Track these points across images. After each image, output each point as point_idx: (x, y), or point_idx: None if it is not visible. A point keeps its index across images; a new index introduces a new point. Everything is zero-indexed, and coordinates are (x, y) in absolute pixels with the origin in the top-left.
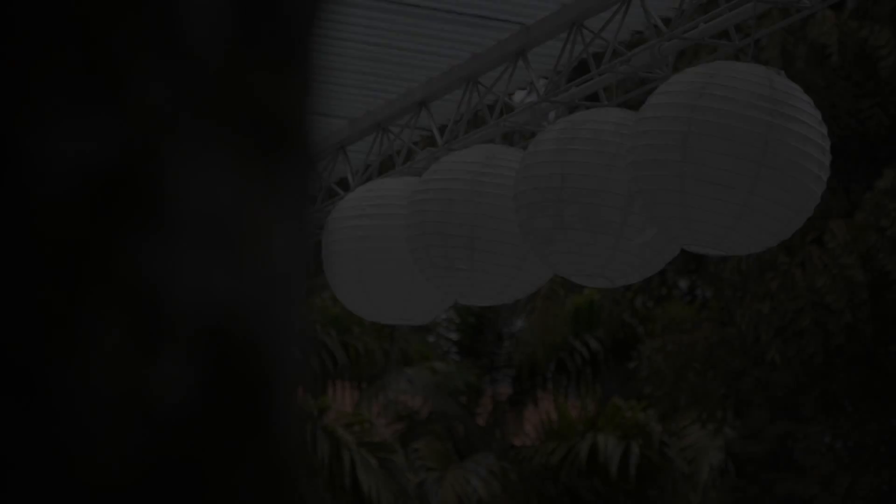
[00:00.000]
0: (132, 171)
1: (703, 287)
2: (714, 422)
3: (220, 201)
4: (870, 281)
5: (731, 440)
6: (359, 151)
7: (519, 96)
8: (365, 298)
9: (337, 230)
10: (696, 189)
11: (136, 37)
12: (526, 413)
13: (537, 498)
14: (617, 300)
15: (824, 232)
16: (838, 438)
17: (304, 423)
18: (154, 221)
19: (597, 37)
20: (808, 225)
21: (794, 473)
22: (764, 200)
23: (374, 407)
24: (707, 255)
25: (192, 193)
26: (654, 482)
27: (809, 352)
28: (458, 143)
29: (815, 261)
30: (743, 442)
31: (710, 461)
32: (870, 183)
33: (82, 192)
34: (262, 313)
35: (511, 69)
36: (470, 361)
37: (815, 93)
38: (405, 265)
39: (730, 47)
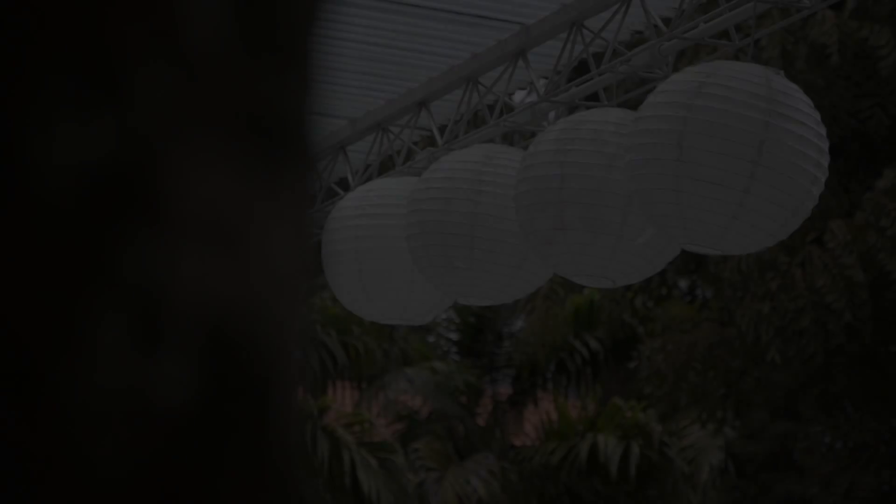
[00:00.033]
0: (132, 171)
1: (703, 287)
2: (714, 422)
3: (219, 201)
4: (870, 281)
5: (731, 440)
6: (359, 151)
7: (519, 96)
8: (365, 298)
9: (337, 230)
10: (691, 188)
11: (135, 36)
12: (526, 413)
13: (537, 498)
14: (617, 300)
15: (824, 232)
16: (838, 438)
17: (304, 423)
18: (154, 221)
19: (597, 37)
20: (808, 225)
21: (794, 473)
22: (760, 200)
23: (374, 407)
24: (707, 254)
25: (191, 193)
26: (654, 482)
27: (809, 352)
28: (458, 143)
29: (815, 261)
30: (743, 442)
31: (710, 461)
32: (870, 183)
33: (82, 192)
34: (262, 313)
35: (511, 69)
36: (470, 361)
37: (815, 93)
38: (405, 265)
39: (730, 47)
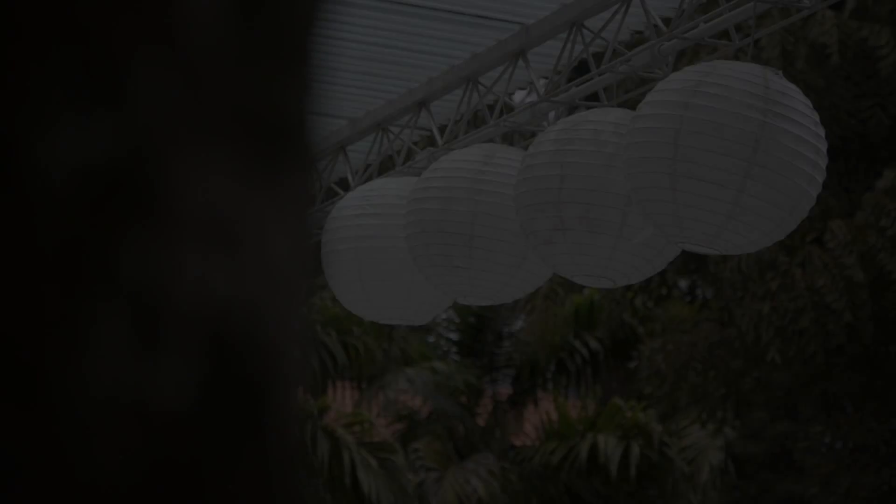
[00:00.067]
0: (132, 171)
1: (703, 287)
2: (714, 422)
3: (219, 201)
4: (870, 281)
5: (731, 440)
6: (359, 151)
7: (519, 96)
8: (365, 298)
9: (337, 230)
10: (686, 187)
11: (136, 37)
12: (526, 413)
13: (537, 498)
14: (617, 300)
15: (824, 232)
16: (838, 438)
17: (304, 423)
18: (154, 221)
19: (597, 37)
20: (808, 225)
21: (794, 473)
22: (755, 199)
23: (374, 407)
24: (707, 254)
25: (191, 194)
26: (654, 482)
27: (809, 352)
28: (458, 143)
29: (815, 261)
30: (743, 442)
31: (710, 461)
32: (870, 183)
33: (82, 192)
34: (262, 314)
35: (511, 69)
36: (470, 361)
37: (815, 93)
38: (405, 265)
39: (730, 47)
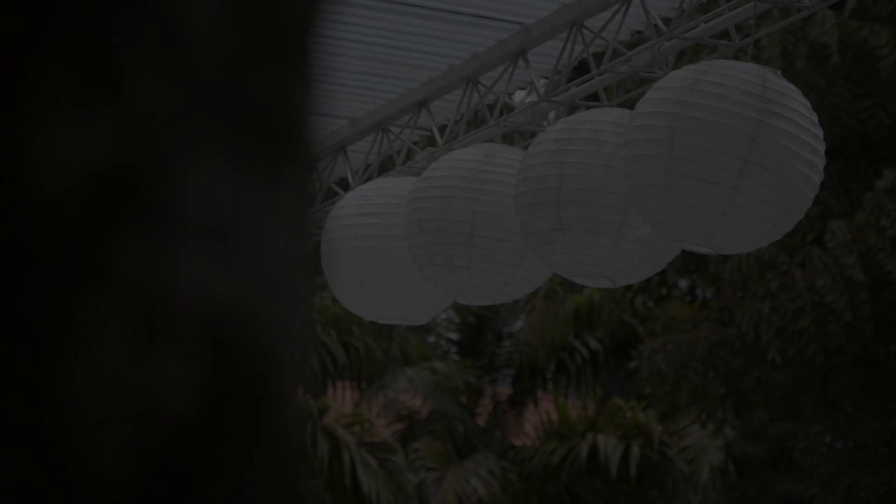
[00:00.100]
0: (132, 171)
1: (703, 287)
2: (714, 422)
3: (219, 201)
4: (870, 281)
5: (731, 440)
6: (359, 151)
7: (519, 96)
8: (364, 298)
9: (337, 230)
10: (682, 185)
11: (135, 36)
12: (526, 413)
13: (537, 498)
14: (617, 300)
15: (824, 232)
16: (838, 438)
17: (303, 423)
18: (153, 222)
19: (597, 37)
20: (808, 225)
21: (794, 473)
22: (750, 198)
23: (374, 407)
24: (706, 254)
25: (191, 193)
26: (654, 482)
27: (809, 352)
28: (458, 143)
29: (815, 261)
30: (743, 442)
31: (710, 461)
32: (870, 183)
33: (81, 191)
34: (262, 313)
35: (511, 69)
36: (470, 361)
37: (816, 93)
38: (404, 265)
39: (730, 47)
